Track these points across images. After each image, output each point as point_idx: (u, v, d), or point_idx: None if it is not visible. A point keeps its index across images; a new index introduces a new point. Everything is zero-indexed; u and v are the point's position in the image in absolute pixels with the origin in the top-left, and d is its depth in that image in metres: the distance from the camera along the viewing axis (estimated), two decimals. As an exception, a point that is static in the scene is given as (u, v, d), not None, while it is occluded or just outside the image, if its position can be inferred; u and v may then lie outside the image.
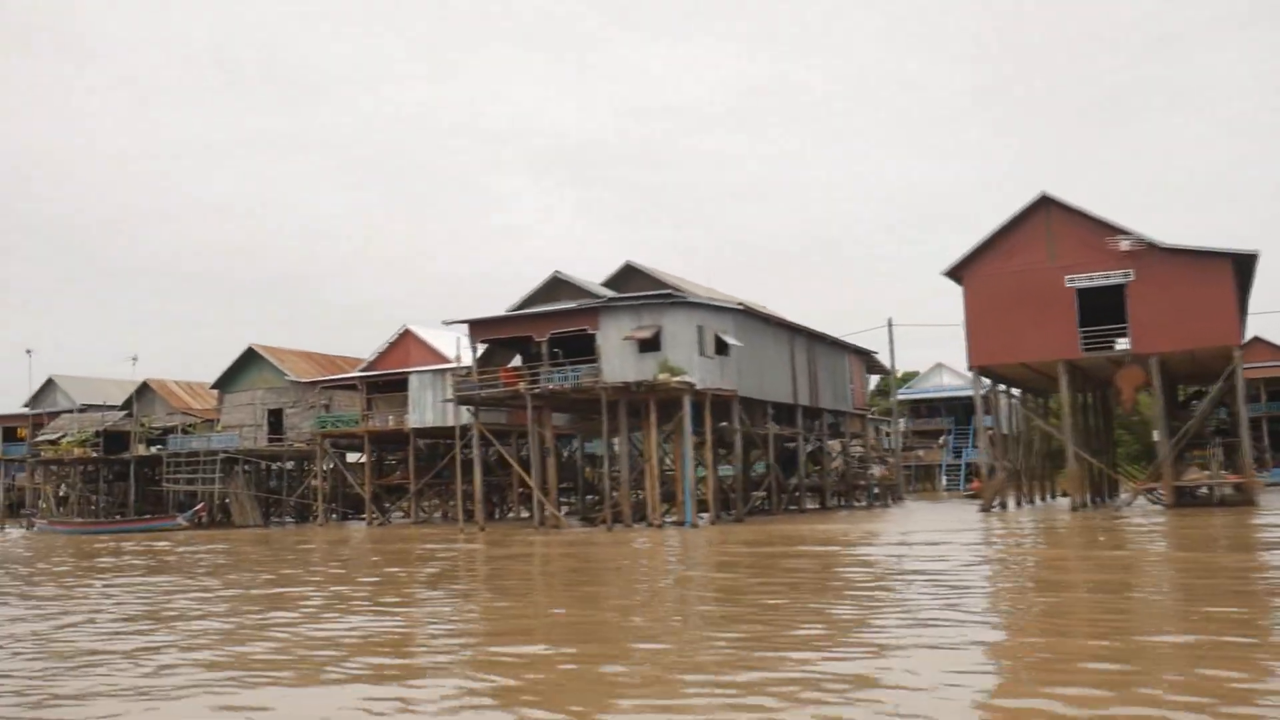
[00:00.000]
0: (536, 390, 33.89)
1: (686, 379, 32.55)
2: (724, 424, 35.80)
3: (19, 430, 60.11)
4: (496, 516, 46.13)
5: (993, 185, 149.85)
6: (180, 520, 45.56)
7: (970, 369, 36.27)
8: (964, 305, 35.59)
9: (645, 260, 38.11)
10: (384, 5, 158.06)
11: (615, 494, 34.32)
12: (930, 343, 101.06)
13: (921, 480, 71.00)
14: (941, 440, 71.29)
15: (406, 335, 46.57)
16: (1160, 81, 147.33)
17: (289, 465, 52.86)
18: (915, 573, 15.98)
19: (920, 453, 70.90)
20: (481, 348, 37.65)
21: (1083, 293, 34.27)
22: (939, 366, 74.86)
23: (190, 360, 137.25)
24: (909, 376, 78.50)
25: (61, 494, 57.64)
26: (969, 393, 73.07)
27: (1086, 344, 34.15)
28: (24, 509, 65.47)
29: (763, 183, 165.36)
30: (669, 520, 33.56)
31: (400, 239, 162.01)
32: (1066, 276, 34.27)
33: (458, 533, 35.00)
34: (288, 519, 51.55)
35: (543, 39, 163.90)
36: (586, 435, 41.69)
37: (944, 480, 69.50)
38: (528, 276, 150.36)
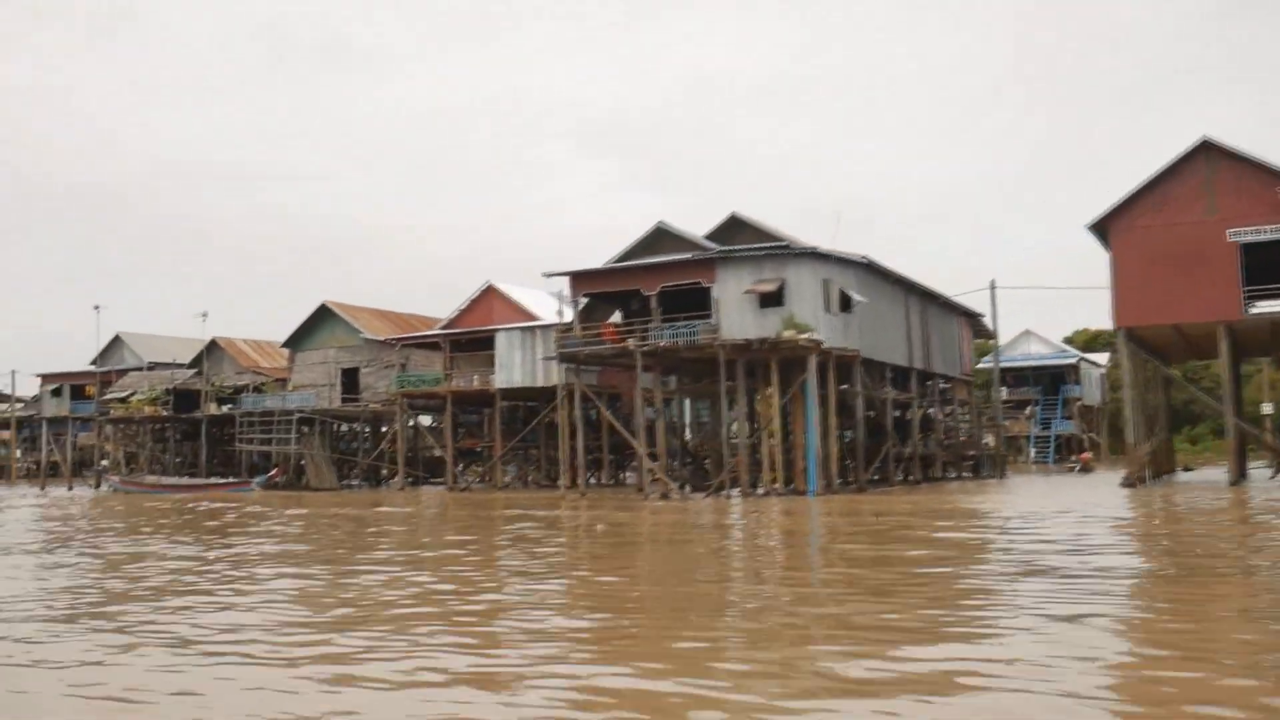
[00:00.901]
0: (646, 348, 31.44)
1: (814, 337, 29.95)
2: (845, 386, 33.24)
3: (86, 388, 58.76)
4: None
5: (1014, 167, 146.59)
6: (254, 485, 43.79)
7: (1116, 330, 33.18)
8: (1111, 262, 32.56)
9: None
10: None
11: (731, 460, 31.83)
12: (1009, 313, 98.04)
13: (1007, 451, 67.96)
14: (1028, 411, 68.11)
15: (490, 292, 44.24)
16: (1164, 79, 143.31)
17: (364, 427, 51.01)
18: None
19: (1006, 423, 67.87)
20: (581, 303, 35.22)
21: (1247, 249, 31.17)
22: (1026, 334, 71.54)
23: (232, 323, 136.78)
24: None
25: (127, 453, 56.24)
26: (1057, 361, 70.19)
27: (1251, 305, 31.07)
28: (87, 468, 64.36)
29: (798, 158, 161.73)
30: (787, 489, 31.09)
31: (439, 211, 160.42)
32: (1229, 230, 31.13)
33: (558, 499, 32.78)
34: (355, 481, 49.78)
35: (584, 14, 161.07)
36: (695, 397, 39.23)
37: (1032, 452, 66.45)
38: (568, 246, 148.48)
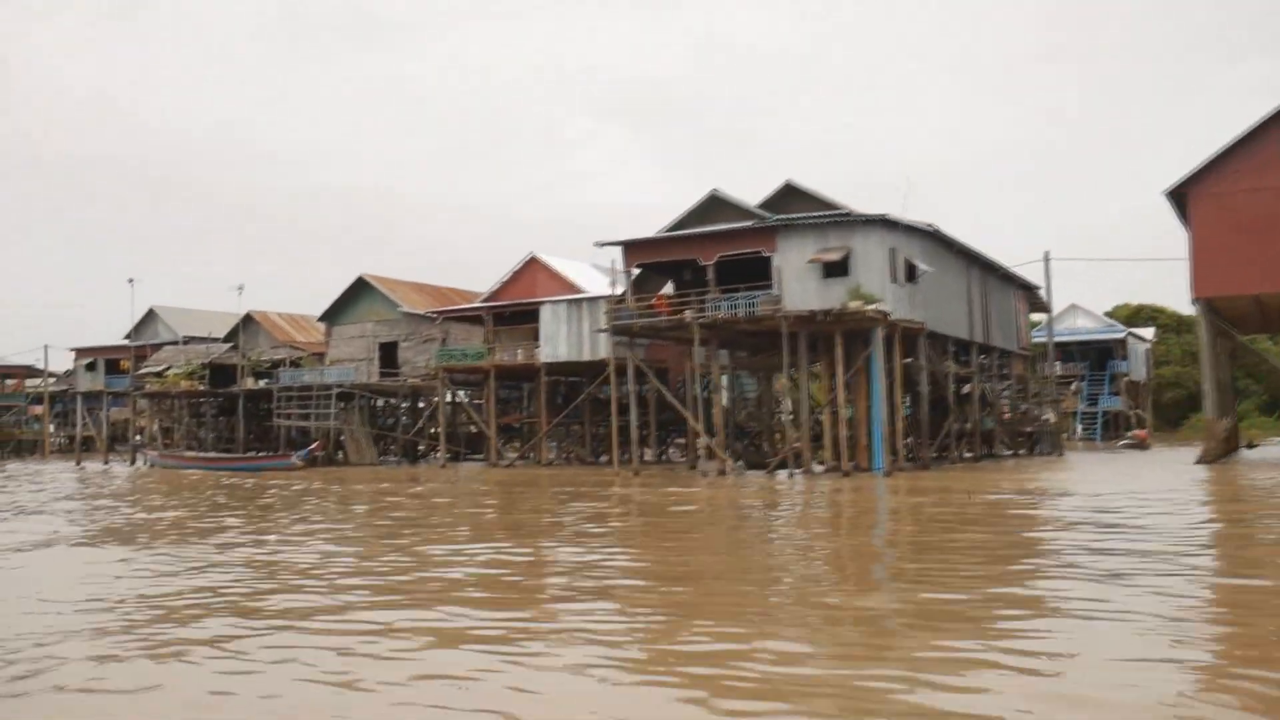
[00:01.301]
0: (705, 319, 30.26)
1: (881, 308, 28.70)
2: (908, 360, 32.01)
3: (121, 362, 58.11)
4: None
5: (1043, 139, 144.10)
6: (294, 460, 43.00)
7: (1194, 301, 31.73)
8: (1189, 229, 31.14)
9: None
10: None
11: (793, 436, 30.71)
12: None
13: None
14: (1074, 386, 66.51)
15: (533, 263, 43.08)
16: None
17: (402, 402, 50.16)
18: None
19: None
20: (633, 274, 34.05)
21: (1336, 215, 29.63)
22: (1072, 308, 69.77)
23: (258, 299, 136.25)
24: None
25: (162, 428, 55.69)
26: (1105, 336, 68.42)
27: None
28: (120, 443, 63.83)
29: (823, 131, 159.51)
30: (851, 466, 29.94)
31: (458, 187, 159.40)
32: (1317, 195, 29.64)
33: (611, 476, 31.79)
34: (391, 458, 48.97)
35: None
36: (751, 371, 38.03)
37: (1079, 429, 64.93)
38: (593, 222, 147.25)
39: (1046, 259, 50.20)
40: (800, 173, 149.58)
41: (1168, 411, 79.91)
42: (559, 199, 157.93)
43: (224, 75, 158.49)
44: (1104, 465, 34.31)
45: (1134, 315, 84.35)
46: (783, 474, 29.32)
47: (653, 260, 33.45)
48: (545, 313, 39.24)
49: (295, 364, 48.96)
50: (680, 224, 34.61)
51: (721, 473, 30.17)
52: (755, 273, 32.74)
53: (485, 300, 43.39)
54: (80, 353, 61.83)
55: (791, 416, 30.22)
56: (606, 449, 45.30)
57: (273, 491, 28.03)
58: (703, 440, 30.99)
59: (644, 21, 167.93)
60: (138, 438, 55.73)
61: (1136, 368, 69.74)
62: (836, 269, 29.72)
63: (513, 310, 41.33)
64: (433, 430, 49.93)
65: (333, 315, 50.07)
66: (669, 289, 35.58)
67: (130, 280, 51.76)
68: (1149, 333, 77.59)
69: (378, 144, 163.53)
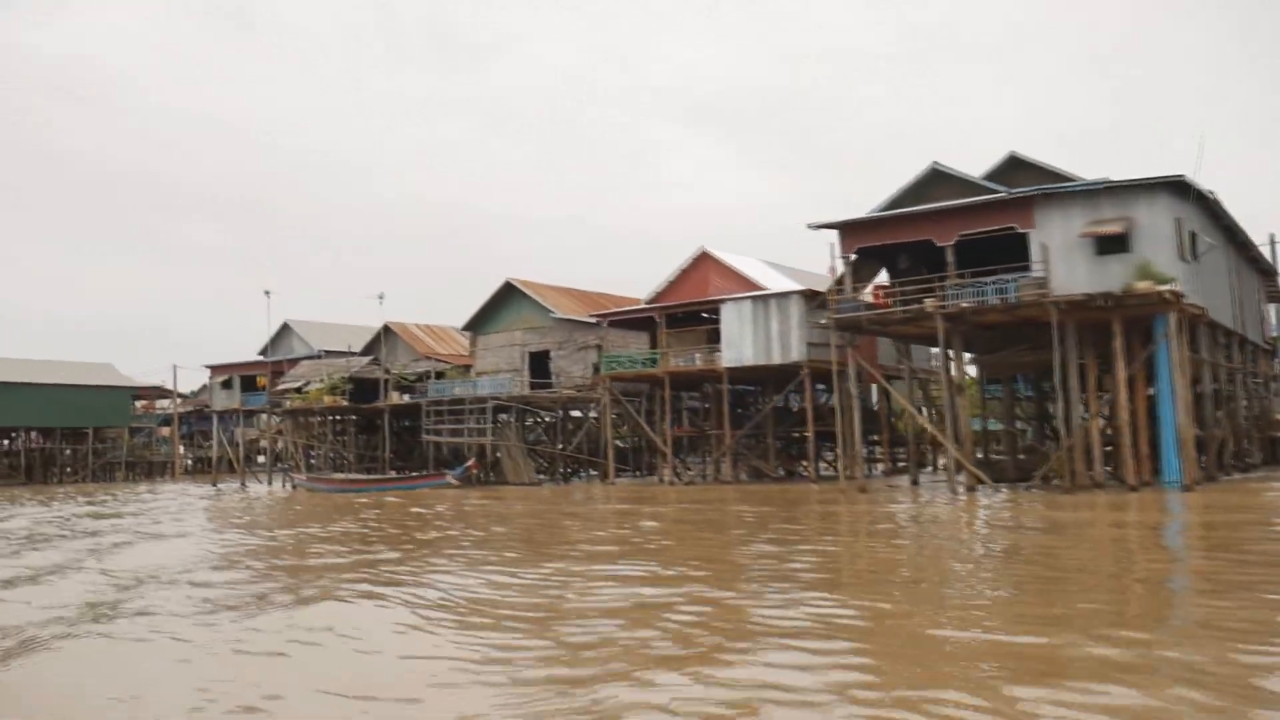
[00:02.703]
0: (949, 310, 25.79)
1: (1175, 288, 23.89)
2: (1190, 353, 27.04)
3: (258, 379, 55.90)
4: (776, 473, 38.53)
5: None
6: (450, 479, 39.73)
7: None
8: None
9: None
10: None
11: (1066, 445, 25.97)
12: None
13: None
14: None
15: (704, 259, 39.00)
16: None
17: (558, 415, 46.64)
18: None
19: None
20: (849, 260, 29.76)
21: None
22: (1267, 299, 63.01)
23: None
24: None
25: (298, 445, 53.22)
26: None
27: None
28: (249, 462, 61.86)
29: (913, 128, 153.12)
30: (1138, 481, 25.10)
31: (554, 195, 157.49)
32: None
33: (838, 493, 27.50)
34: (547, 476, 45.46)
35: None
36: (995, 372, 33.30)
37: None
38: (684, 230, 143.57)
39: (1273, 242, 44.41)
40: (893, 168, 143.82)
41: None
42: (644, 207, 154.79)
43: (320, 95, 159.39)
44: None
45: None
46: (1036, 489, 24.72)
47: (873, 244, 29.07)
48: (727, 312, 35.17)
49: (439, 376, 45.84)
50: (895, 203, 30.26)
51: (971, 489, 25.66)
52: (991, 255, 28.24)
53: (651, 301, 39.50)
54: (215, 370, 59.87)
55: (1062, 423, 25.41)
56: (784, 462, 41.09)
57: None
58: (953, 453, 26.38)
59: (728, 27, 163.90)
60: (262, 458, 53.24)
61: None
62: (1111, 245, 24.99)
63: (684, 311, 37.45)
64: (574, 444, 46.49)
65: (478, 324, 46.86)
66: (883, 277, 31.28)
67: (267, 292, 49.40)
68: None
69: (454, 156, 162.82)
